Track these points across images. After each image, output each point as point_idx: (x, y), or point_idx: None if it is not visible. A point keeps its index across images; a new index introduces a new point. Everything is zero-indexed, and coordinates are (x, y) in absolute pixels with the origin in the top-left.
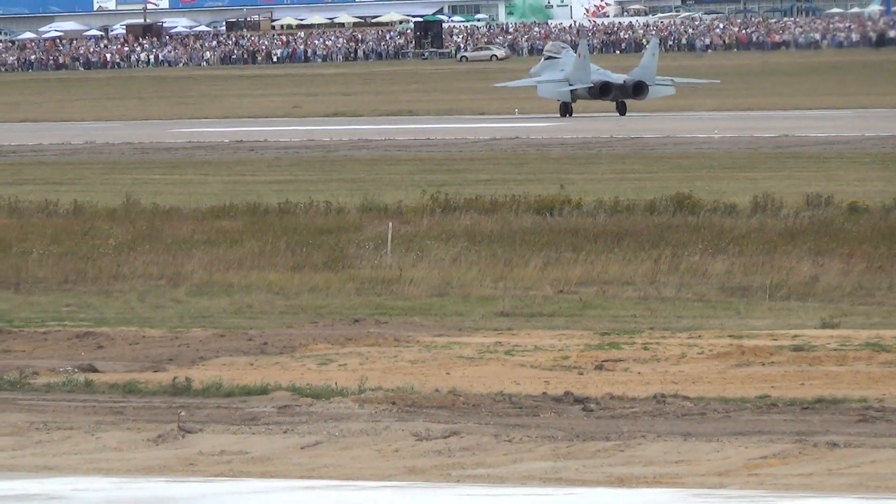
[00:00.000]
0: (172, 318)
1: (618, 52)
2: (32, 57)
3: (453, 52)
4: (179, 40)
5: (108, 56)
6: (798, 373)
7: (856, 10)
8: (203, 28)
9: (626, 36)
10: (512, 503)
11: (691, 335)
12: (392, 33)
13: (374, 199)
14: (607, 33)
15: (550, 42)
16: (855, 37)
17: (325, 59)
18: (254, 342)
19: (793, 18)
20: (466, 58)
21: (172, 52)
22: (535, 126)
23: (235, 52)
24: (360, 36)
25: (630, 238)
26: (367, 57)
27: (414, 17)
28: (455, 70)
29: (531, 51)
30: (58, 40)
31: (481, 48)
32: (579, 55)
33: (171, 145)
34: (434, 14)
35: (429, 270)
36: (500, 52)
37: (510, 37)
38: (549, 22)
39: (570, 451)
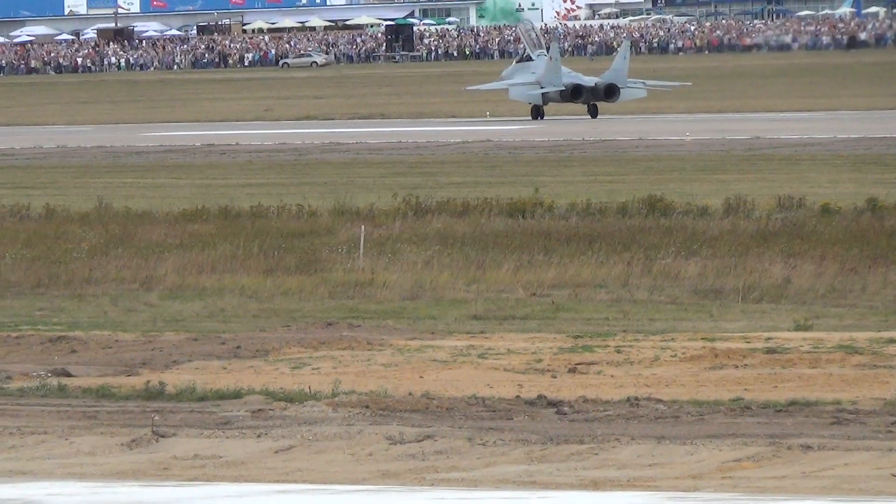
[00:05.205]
0: (145, 322)
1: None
2: (3, 61)
3: (424, 55)
4: (150, 44)
5: (80, 60)
6: (771, 375)
7: (826, 12)
8: (174, 32)
9: (598, 39)
10: None
11: (664, 338)
12: (363, 36)
13: (346, 202)
14: (578, 36)
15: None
16: (826, 39)
17: None
18: (227, 346)
19: (764, 21)
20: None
21: (143, 56)
22: (506, 129)
23: (207, 55)
24: (331, 39)
25: (602, 240)
26: (338, 60)
27: (385, 20)
28: (428, 73)
29: (502, 54)
30: (29, 45)
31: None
32: (550, 58)
33: (143, 149)
34: (405, 17)
35: (401, 274)
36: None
37: (481, 39)
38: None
39: (543, 454)
